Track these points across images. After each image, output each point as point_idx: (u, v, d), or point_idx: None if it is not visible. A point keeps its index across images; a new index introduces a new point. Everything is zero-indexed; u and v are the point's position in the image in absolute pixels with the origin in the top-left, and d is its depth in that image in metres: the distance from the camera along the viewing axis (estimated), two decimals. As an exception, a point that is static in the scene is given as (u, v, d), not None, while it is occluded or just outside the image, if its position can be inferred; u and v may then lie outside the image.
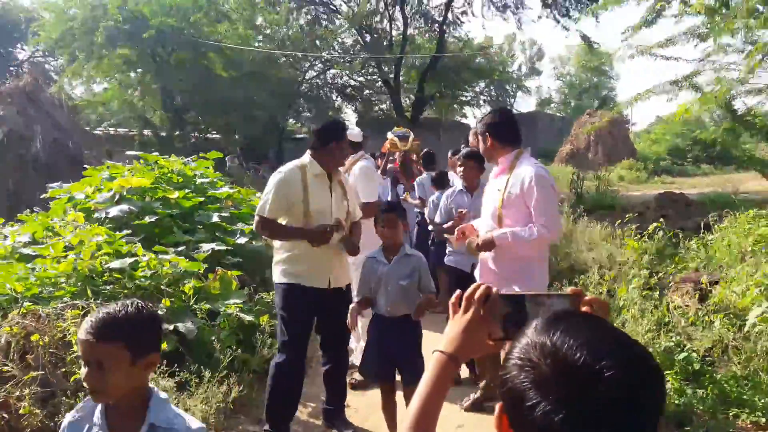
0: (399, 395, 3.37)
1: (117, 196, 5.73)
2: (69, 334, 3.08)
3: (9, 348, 3.02)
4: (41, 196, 7.66)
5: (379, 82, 24.21)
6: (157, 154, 7.95)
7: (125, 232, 4.89)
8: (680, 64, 8.44)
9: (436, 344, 1.18)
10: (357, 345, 4.57)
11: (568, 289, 1.11)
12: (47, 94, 11.79)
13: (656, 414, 0.79)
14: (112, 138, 16.92)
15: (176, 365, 3.35)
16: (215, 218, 5.84)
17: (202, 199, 6.18)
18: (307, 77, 24.99)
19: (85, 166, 12.00)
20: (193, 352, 3.81)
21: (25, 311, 3.14)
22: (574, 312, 1.02)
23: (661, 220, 6.86)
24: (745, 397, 3.62)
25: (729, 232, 6.74)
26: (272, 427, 3.47)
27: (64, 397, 2.89)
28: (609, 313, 1.13)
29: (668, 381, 3.77)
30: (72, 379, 2.93)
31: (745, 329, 4.23)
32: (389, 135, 8.00)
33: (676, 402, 3.61)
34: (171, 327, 3.77)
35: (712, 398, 3.62)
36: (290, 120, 25.21)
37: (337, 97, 25.73)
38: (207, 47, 17.76)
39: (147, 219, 5.36)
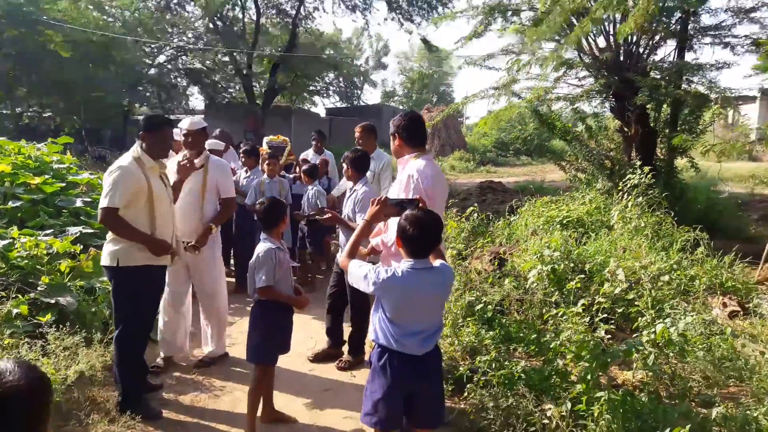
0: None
1: (-27, 182, 5.79)
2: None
3: None
4: None
5: (231, 67, 24.06)
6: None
7: (-9, 216, 5.09)
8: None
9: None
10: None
11: (417, 196, 2.97)
12: None
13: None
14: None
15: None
16: (78, 203, 6.10)
17: (63, 184, 6.37)
18: (156, 62, 24.08)
19: None
20: (73, 322, 4.28)
21: None
22: (421, 208, 2.71)
23: (476, 205, 8.31)
24: (522, 335, 4.85)
25: (527, 214, 8.34)
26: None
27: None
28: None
29: (468, 326, 4.91)
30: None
31: (526, 286, 5.60)
32: (264, 143, 7.93)
33: (474, 340, 4.78)
34: (53, 301, 4.22)
35: (499, 336, 4.82)
36: (137, 105, 24.06)
37: (187, 83, 24.96)
38: (46, 25, 16.54)
39: (11, 204, 5.53)
